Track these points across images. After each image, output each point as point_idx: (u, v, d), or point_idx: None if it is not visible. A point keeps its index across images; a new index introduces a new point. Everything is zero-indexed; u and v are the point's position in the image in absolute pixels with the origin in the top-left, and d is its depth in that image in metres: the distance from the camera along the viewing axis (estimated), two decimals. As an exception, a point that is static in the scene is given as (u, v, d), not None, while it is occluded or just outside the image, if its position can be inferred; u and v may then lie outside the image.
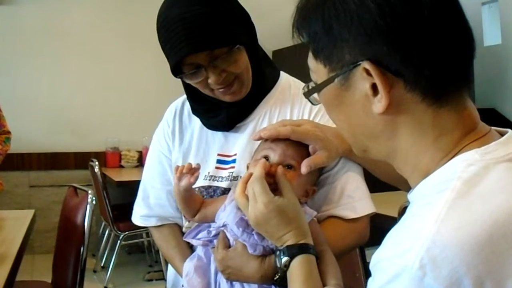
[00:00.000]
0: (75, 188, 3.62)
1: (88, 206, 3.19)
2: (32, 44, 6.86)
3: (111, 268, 5.78)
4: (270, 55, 8.27)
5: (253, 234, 1.49)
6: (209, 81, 1.62)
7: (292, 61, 7.76)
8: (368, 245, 3.53)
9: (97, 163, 5.81)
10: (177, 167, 1.64)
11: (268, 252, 1.50)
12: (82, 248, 3.15)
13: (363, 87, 1.01)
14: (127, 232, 5.63)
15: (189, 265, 1.66)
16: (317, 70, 1.10)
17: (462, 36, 1.02)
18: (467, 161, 0.97)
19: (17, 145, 6.15)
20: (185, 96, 1.88)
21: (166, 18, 1.58)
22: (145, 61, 6.72)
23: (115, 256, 5.81)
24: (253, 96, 1.76)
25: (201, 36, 1.53)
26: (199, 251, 1.68)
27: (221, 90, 1.66)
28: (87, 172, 6.17)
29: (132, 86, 7.03)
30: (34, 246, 6.40)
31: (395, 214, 3.06)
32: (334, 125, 1.65)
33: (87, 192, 3.30)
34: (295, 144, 1.55)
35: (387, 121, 1.03)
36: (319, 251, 1.45)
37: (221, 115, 1.76)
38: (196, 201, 1.69)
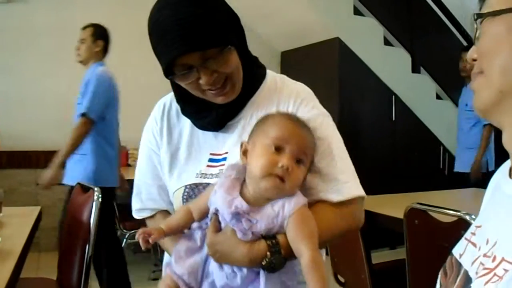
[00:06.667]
0: (82, 186, 3.62)
1: (94, 203, 3.20)
2: (40, 42, 6.88)
3: (117, 267, 5.78)
4: (278, 56, 8.29)
5: (241, 221, 1.49)
6: (201, 81, 1.63)
7: (300, 62, 7.79)
8: (373, 247, 3.54)
9: (104, 161, 5.81)
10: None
11: (257, 238, 1.50)
12: (87, 246, 3.15)
13: None
14: (132, 231, 5.63)
15: (180, 246, 1.64)
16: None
17: None
18: None
19: (24, 143, 6.18)
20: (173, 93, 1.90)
21: (158, 19, 1.60)
22: (154, 60, 6.72)
23: (121, 255, 5.81)
24: (241, 95, 1.76)
25: (194, 37, 1.54)
26: (195, 234, 1.67)
27: (213, 92, 1.67)
28: (94, 171, 6.18)
29: (140, 84, 7.02)
30: (40, 243, 6.41)
31: (401, 216, 3.06)
32: (314, 112, 1.67)
33: (93, 189, 3.31)
34: (309, 137, 1.57)
35: None
36: (296, 249, 1.46)
37: (210, 116, 1.76)
38: (179, 223, 1.69)
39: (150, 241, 1.61)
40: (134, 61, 7.00)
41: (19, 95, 6.70)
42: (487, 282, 0.96)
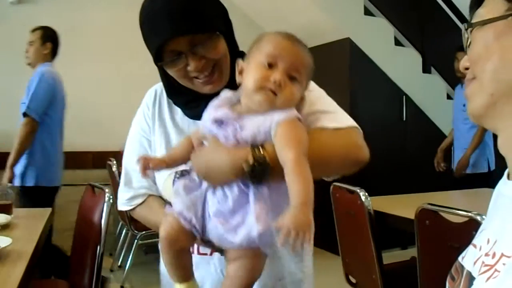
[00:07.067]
0: (93, 187, 3.62)
1: (105, 204, 3.20)
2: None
3: (128, 268, 5.80)
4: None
5: (226, 127, 1.49)
6: (189, 68, 1.65)
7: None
8: (384, 247, 3.54)
9: (115, 162, 5.82)
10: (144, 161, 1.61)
11: (242, 145, 1.48)
12: (99, 247, 3.15)
13: None
14: (144, 232, 5.64)
15: (178, 184, 1.61)
16: (494, 6, 1.07)
17: None
18: None
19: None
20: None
21: (152, 9, 1.63)
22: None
23: (132, 256, 5.82)
24: (229, 86, 1.74)
25: (184, 21, 1.58)
26: (194, 172, 1.63)
27: (201, 80, 1.69)
28: (105, 172, 6.18)
29: (150, 85, 7.04)
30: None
31: (412, 216, 3.05)
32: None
33: (104, 190, 3.31)
34: (304, 55, 1.56)
35: None
36: (281, 155, 1.40)
37: (201, 106, 1.72)
38: (182, 152, 1.65)
39: (150, 166, 1.58)
40: (139, 62, 7.03)
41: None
42: (488, 278, 0.97)
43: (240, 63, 1.59)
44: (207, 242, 1.56)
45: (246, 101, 1.52)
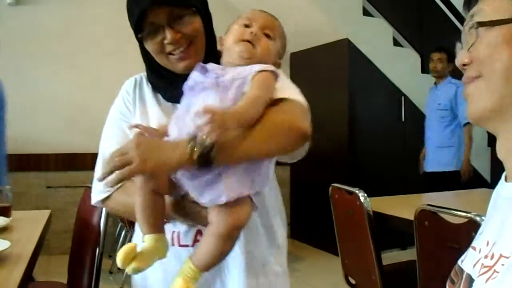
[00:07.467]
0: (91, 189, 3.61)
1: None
2: (49, 44, 6.90)
3: (127, 270, 5.78)
4: (287, 57, 8.26)
5: (208, 73, 1.60)
6: (166, 41, 1.75)
7: (309, 63, 7.77)
8: (384, 247, 3.53)
9: (113, 164, 5.81)
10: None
11: (220, 88, 1.57)
12: (98, 249, 3.15)
13: None
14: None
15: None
16: (500, 5, 1.05)
17: None
18: None
19: (34, 146, 6.20)
20: (144, 73, 1.99)
21: None
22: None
23: (131, 258, 5.80)
24: None
25: None
26: None
27: (176, 56, 1.78)
28: (104, 173, 6.17)
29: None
30: (51, 247, 6.42)
31: (411, 217, 3.05)
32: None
33: (103, 192, 3.30)
34: (277, 21, 1.79)
35: None
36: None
37: (178, 89, 1.74)
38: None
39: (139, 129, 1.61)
40: (138, 64, 7.02)
41: (29, 97, 6.72)
42: (487, 279, 0.97)
43: (221, 37, 1.77)
44: (183, 197, 1.60)
45: (227, 58, 1.69)
